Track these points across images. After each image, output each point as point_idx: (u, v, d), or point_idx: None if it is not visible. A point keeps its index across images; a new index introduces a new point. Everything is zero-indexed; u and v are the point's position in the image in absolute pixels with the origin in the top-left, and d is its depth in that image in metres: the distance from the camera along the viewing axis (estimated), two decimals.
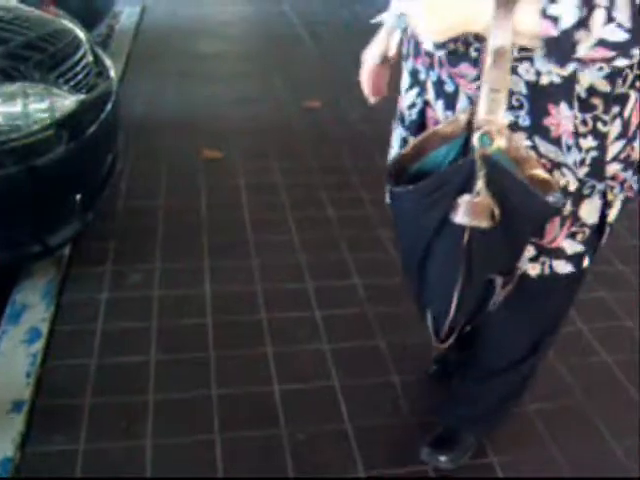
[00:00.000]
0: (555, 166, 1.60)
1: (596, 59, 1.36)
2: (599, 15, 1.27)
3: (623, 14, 1.26)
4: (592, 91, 1.52)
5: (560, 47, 1.35)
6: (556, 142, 1.57)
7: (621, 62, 1.35)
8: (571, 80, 1.50)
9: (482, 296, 1.68)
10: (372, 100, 1.96)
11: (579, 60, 1.37)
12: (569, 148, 1.58)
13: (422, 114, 1.78)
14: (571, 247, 1.73)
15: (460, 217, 1.47)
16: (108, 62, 3.49)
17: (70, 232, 2.98)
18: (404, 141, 1.88)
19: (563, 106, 1.53)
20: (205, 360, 2.60)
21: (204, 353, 2.63)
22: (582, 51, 1.33)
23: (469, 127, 1.51)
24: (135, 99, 4.76)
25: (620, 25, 1.27)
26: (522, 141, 1.57)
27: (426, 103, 1.76)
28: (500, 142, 1.47)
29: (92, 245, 3.25)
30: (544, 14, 1.31)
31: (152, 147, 4.27)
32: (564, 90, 1.51)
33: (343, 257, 3.23)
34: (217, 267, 3.15)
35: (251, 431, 2.33)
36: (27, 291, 2.93)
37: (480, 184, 1.44)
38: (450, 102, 1.66)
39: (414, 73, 1.76)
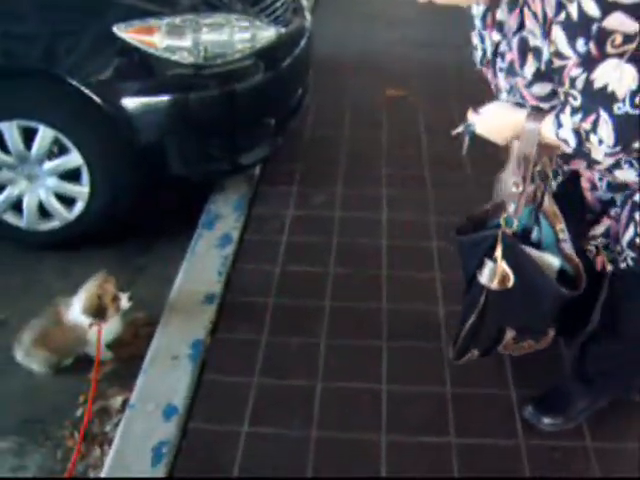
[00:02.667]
0: None
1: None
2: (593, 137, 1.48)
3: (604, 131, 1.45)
4: None
5: (582, 157, 1.63)
6: None
7: None
8: None
9: (495, 338, 2.03)
10: None
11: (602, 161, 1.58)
12: None
13: None
14: None
15: (481, 277, 1.88)
16: (303, 0, 3.69)
17: (261, 153, 3.23)
18: None
19: None
20: (378, 277, 2.79)
21: (378, 271, 2.83)
22: (598, 156, 1.53)
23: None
24: (322, 37, 4.93)
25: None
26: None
27: None
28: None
29: (280, 167, 3.52)
30: (557, 136, 1.58)
31: (337, 84, 4.48)
32: None
33: None
34: (394, 196, 3.33)
35: (414, 342, 2.50)
36: (220, 203, 3.23)
37: (498, 254, 1.84)
38: None
39: None
